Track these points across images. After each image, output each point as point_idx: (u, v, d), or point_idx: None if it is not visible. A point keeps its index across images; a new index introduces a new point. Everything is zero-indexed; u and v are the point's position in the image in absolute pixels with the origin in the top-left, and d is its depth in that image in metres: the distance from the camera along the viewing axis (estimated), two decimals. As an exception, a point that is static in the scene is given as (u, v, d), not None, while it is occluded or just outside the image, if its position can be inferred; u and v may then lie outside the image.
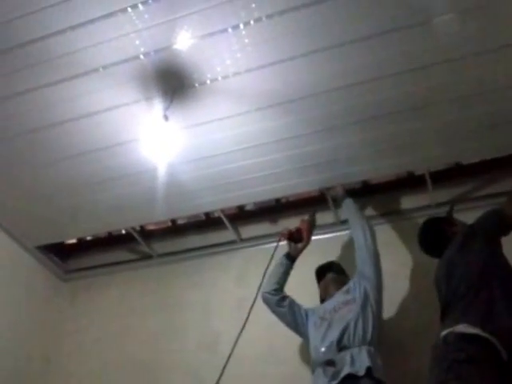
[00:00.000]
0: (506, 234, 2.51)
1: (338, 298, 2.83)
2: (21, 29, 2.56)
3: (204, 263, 3.72)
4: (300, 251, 3.04)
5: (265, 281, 2.95)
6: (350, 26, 2.48)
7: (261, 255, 3.31)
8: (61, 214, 3.63)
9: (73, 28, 2.54)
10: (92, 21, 2.51)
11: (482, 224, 2.53)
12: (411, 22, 2.43)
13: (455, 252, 2.50)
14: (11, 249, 3.77)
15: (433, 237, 2.77)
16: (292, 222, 3.30)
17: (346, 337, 2.59)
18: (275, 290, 2.93)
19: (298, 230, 3.06)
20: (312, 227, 3.16)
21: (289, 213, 3.58)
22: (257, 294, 2.90)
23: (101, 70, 2.71)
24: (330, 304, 2.85)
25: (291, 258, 3.01)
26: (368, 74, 2.67)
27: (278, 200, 3.62)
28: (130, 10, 2.47)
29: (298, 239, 3.04)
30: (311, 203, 3.48)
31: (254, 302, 2.86)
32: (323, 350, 2.61)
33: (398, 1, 2.37)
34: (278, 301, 2.91)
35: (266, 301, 2.94)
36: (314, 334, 2.78)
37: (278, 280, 2.96)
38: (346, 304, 2.76)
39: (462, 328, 2.13)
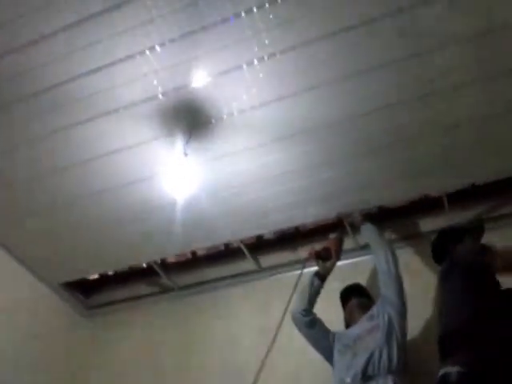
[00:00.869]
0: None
1: (362, 324, 2.82)
2: (45, 74, 2.67)
3: (225, 294, 3.74)
4: (330, 269, 3.03)
5: (294, 301, 2.93)
6: (361, 57, 2.56)
7: (282, 284, 3.33)
8: (83, 251, 3.68)
9: (94, 71, 2.65)
10: (112, 63, 2.62)
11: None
12: (419, 50, 2.50)
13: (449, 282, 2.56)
14: (35, 286, 3.82)
15: (437, 251, 2.90)
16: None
17: (370, 366, 2.55)
18: (305, 310, 2.90)
19: (326, 249, 3.07)
20: (340, 244, 3.16)
21: (308, 240, 3.59)
22: (280, 323, 2.89)
23: (121, 110, 2.80)
24: (354, 331, 2.84)
25: (321, 276, 3.00)
26: (380, 102, 2.73)
27: (296, 228, 3.65)
28: (147, 52, 2.57)
29: (326, 257, 3.04)
30: (329, 230, 3.50)
31: (278, 331, 2.85)
32: (348, 380, 2.59)
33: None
34: (309, 322, 2.88)
35: (295, 321, 2.92)
36: (338, 362, 2.76)
37: (308, 300, 2.93)
38: (370, 331, 2.74)
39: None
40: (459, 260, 2.64)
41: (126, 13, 2.43)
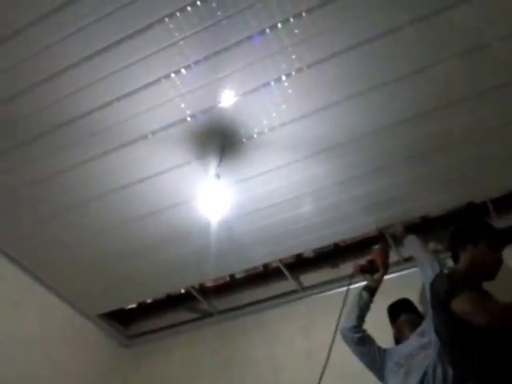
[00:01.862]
0: None
1: (414, 341, 2.69)
2: (71, 105, 2.66)
3: (267, 316, 3.65)
4: (379, 281, 2.90)
5: (343, 317, 2.80)
6: (390, 66, 2.48)
7: (325, 302, 3.23)
8: (120, 280, 3.65)
9: (120, 99, 2.63)
10: (138, 90, 2.60)
11: None
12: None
13: None
14: (73, 318, 3.81)
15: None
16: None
17: None
18: (355, 326, 2.78)
19: (371, 261, 2.95)
20: (386, 254, 3.04)
21: (349, 256, 3.48)
22: (331, 344, 2.75)
23: (150, 136, 2.77)
24: (405, 348, 2.71)
25: (370, 290, 2.89)
26: (415, 110, 2.63)
27: (336, 244, 3.54)
28: (173, 75, 2.54)
29: (372, 270, 2.92)
30: (370, 244, 3.38)
31: (330, 352, 2.72)
32: (402, 400, 2.47)
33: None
34: (359, 339, 2.76)
35: (345, 338, 2.79)
36: (391, 381, 2.64)
37: (358, 316, 2.80)
38: (422, 349, 2.61)
39: None
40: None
41: (149, 38, 2.41)
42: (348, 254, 3.51)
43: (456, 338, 2.19)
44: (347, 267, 3.32)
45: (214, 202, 2.75)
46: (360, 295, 2.87)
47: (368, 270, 2.93)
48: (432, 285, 2.31)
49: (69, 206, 3.16)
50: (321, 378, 2.66)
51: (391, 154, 2.84)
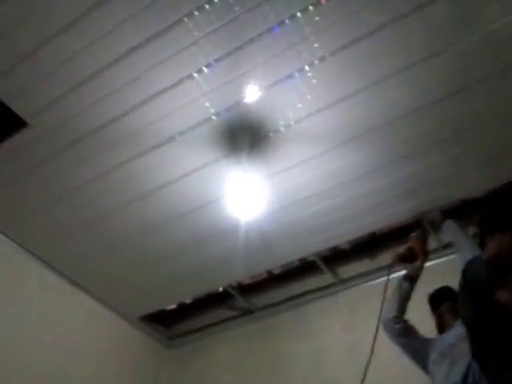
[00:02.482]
0: None
1: (457, 330, 2.60)
2: (96, 113, 2.68)
3: (306, 311, 3.62)
4: (419, 269, 2.80)
5: (384, 308, 2.74)
6: (417, 45, 2.39)
7: (365, 294, 3.17)
8: (159, 282, 3.68)
9: (144, 102, 2.64)
10: (161, 92, 2.60)
11: None
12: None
13: None
14: (115, 323, 3.87)
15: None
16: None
17: (471, 375, 2.34)
18: (395, 317, 2.69)
19: (410, 249, 2.87)
20: (425, 241, 2.95)
21: (386, 245, 3.41)
22: (375, 336, 2.69)
23: (177, 137, 2.77)
24: (448, 337, 2.62)
25: (410, 279, 2.81)
26: (449, 88, 2.54)
27: (373, 234, 3.46)
28: (195, 75, 2.53)
29: (411, 258, 2.84)
30: (408, 231, 3.30)
31: (374, 343, 2.64)
32: (448, 393, 2.38)
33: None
34: (401, 330, 2.66)
35: (386, 329, 2.70)
36: (436, 371, 2.55)
37: (399, 306, 2.70)
38: (466, 337, 2.53)
39: None
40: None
41: (169, 39, 2.41)
42: (385, 243, 3.44)
43: (491, 327, 2.11)
44: (385, 257, 3.26)
45: (245, 198, 2.73)
46: (400, 284, 2.78)
47: (407, 258, 2.84)
48: (467, 269, 2.22)
49: (105, 211, 3.20)
50: (366, 371, 2.60)
51: (423, 138, 2.76)
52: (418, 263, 2.81)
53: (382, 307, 2.69)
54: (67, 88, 2.59)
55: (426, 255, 2.85)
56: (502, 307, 1.98)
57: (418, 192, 3.01)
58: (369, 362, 2.55)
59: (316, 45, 2.40)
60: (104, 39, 2.41)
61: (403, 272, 2.86)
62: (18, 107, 2.67)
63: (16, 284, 3.30)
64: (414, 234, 2.97)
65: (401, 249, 2.91)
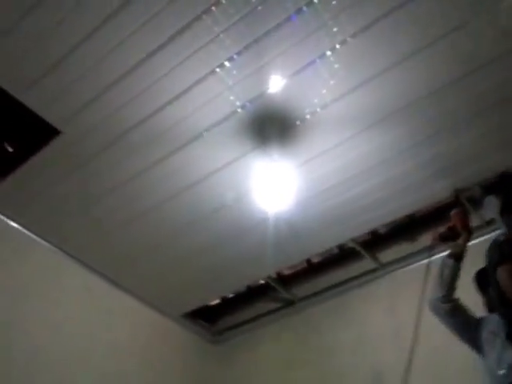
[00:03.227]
0: None
1: None
2: (127, 113, 2.73)
3: (349, 298, 3.59)
4: (463, 246, 2.69)
5: (431, 289, 2.68)
6: (437, 22, 2.33)
7: (407, 277, 3.12)
8: (199, 278, 3.71)
9: (169, 102, 2.67)
10: (186, 90, 2.63)
11: None
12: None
13: None
14: (159, 321, 3.92)
15: None
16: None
17: None
18: (444, 296, 2.63)
19: (451, 227, 2.79)
20: (466, 216, 2.86)
21: (426, 226, 3.33)
22: (418, 319, 2.64)
23: (204, 134, 2.80)
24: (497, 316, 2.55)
25: (456, 257, 2.74)
26: (479, 60, 2.46)
27: (410, 215, 3.39)
28: (218, 69, 2.54)
29: (454, 236, 2.76)
30: (447, 210, 3.22)
31: (417, 326, 2.60)
32: (502, 372, 2.30)
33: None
34: (449, 309, 2.57)
35: (434, 310, 2.62)
36: (487, 352, 2.48)
37: (447, 284, 2.64)
38: None
39: None
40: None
41: (190, 37, 2.42)
42: (424, 224, 3.37)
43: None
44: (425, 239, 3.19)
45: (277, 189, 2.73)
46: (445, 263, 2.69)
47: (449, 236, 2.76)
48: (488, 250, 2.17)
49: (142, 211, 3.25)
50: (411, 357, 2.56)
51: (456, 112, 2.68)
52: (461, 240, 2.72)
53: (423, 289, 2.64)
54: (95, 93, 2.65)
55: (468, 232, 2.75)
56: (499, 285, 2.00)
57: (452, 170, 2.95)
58: (412, 347, 2.51)
59: (335, 29, 2.38)
60: (126, 42, 2.46)
61: (446, 252, 2.79)
62: (50, 116, 2.75)
63: (59, 287, 3.40)
64: (453, 212, 2.88)
65: (442, 228, 2.85)
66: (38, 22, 2.38)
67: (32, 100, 2.68)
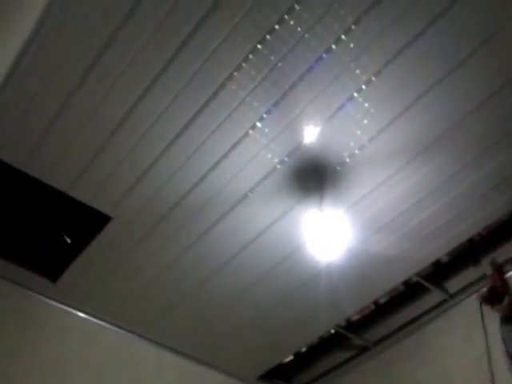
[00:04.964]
0: None
1: None
2: (171, 188, 2.82)
3: (422, 334, 3.45)
4: (507, 307, 2.59)
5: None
6: (460, 42, 2.31)
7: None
8: (269, 337, 3.67)
9: (211, 170, 2.74)
10: (224, 156, 2.69)
11: None
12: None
13: None
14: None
15: None
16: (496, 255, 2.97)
17: None
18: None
19: (491, 289, 2.65)
20: (501, 276, 2.72)
21: (487, 248, 3.21)
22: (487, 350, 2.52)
23: (249, 194, 2.83)
24: None
25: (506, 320, 2.58)
26: (506, 77, 2.42)
27: (470, 240, 3.27)
28: (250, 131, 2.60)
29: (498, 298, 2.62)
30: (508, 228, 3.11)
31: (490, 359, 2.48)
32: None
33: None
34: None
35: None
36: None
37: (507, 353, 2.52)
38: None
39: None
40: None
41: (217, 105, 2.50)
42: (486, 245, 3.24)
43: None
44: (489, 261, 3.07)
45: (332, 237, 2.69)
46: (499, 332, 2.57)
47: (492, 298, 2.63)
48: None
49: (200, 280, 3.28)
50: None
51: (500, 126, 2.59)
52: (505, 302, 2.58)
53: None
54: (139, 174, 2.75)
55: (508, 291, 2.61)
56: None
57: (504, 185, 2.83)
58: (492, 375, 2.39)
59: (358, 71, 2.40)
60: (160, 120, 2.55)
61: None
62: (99, 204, 2.87)
63: (133, 367, 3.42)
64: (489, 273, 2.76)
65: (483, 290, 2.73)
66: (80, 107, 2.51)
67: (81, 192, 2.82)
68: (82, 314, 3.41)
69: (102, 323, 3.45)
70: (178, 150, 2.65)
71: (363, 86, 2.45)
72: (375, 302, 3.69)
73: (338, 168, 2.73)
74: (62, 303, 3.37)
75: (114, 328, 3.47)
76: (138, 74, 2.40)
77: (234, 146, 2.63)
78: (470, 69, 2.39)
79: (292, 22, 2.27)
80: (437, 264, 3.41)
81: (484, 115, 2.55)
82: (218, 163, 2.71)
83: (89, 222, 2.96)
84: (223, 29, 2.27)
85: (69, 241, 3.20)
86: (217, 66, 2.38)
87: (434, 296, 3.42)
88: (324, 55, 2.37)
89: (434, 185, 2.83)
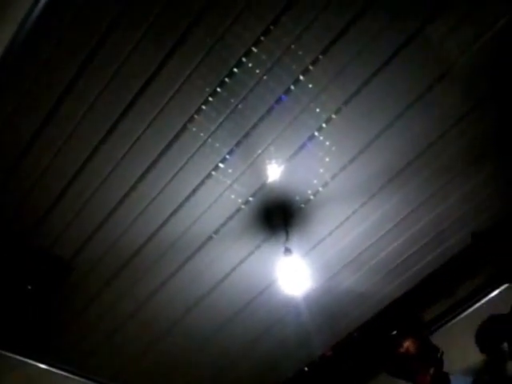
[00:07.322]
0: None
1: None
2: (134, 233, 2.76)
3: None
4: None
5: None
6: (418, 76, 2.35)
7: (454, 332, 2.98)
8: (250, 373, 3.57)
9: (173, 214, 2.69)
10: (186, 199, 2.67)
11: None
12: None
13: None
14: None
15: None
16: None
17: None
18: None
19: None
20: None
21: (459, 279, 3.21)
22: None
23: (213, 236, 2.78)
24: None
25: None
26: (468, 103, 2.46)
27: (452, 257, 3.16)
28: (213, 173, 2.57)
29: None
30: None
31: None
32: None
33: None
34: None
35: None
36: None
37: None
38: None
39: None
40: None
41: (179, 148, 2.48)
42: (458, 276, 3.24)
43: None
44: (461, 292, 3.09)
45: (297, 275, 2.66)
46: None
47: None
48: None
49: (166, 328, 3.20)
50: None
51: (458, 153, 2.63)
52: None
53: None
54: (97, 222, 2.68)
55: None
56: None
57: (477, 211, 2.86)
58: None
59: (318, 110, 2.41)
60: (120, 165, 2.52)
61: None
62: (59, 253, 2.77)
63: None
64: None
65: None
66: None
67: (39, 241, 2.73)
68: (44, 366, 3.26)
69: (66, 374, 3.30)
70: (138, 196, 2.60)
71: (323, 125, 2.46)
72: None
73: (303, 206, 2.72)
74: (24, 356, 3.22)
75: (77, 378, 3.33)
76: (96, 120, 2.36)
77: (196, 189, 2.60)
78: (428, 101, 2.42)
79: (250, 65, 2.28)
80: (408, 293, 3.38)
81: (446, 145, 2.58)
82: (180, 206, 2.66)
83: (49, 272, 2.86)
84: (182, 72, 2.26)
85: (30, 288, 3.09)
86: (177, 109, 2.36)
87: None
88: (283, 96, 2.38)
89: (399, 217, 2.84)
